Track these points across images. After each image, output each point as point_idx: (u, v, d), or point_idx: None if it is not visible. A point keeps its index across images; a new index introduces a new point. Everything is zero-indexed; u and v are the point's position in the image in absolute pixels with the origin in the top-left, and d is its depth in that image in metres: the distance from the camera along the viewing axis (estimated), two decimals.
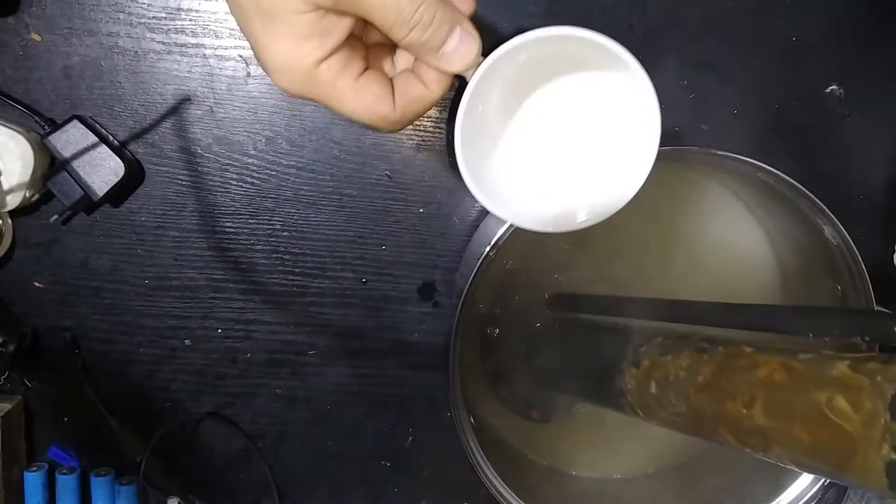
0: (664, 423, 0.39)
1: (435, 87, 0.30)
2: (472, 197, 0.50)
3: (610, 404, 0.44)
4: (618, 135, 0.33)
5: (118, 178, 0.45)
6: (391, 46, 0.32)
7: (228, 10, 0.46)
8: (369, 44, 0.32)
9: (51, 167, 0.46)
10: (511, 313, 0.54)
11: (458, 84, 0.31)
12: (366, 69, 0.30)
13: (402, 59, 0.32)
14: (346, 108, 0.30)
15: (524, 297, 0.53)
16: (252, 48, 0.29)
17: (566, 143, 0.34)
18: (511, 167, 0.34)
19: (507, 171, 0.34)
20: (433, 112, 0.49)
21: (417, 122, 0.49)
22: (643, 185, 0.32)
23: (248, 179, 0.49)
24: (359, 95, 0.29)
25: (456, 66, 0.29)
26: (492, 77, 0.30)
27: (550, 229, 0.33)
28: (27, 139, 0.44)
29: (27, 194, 0.45)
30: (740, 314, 0.35)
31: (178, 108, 0.47)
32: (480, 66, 0.30)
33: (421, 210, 0.50)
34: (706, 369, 0.36)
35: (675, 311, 0.39)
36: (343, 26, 0.28)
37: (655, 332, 0.42)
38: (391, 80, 0.31)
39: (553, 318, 0.53)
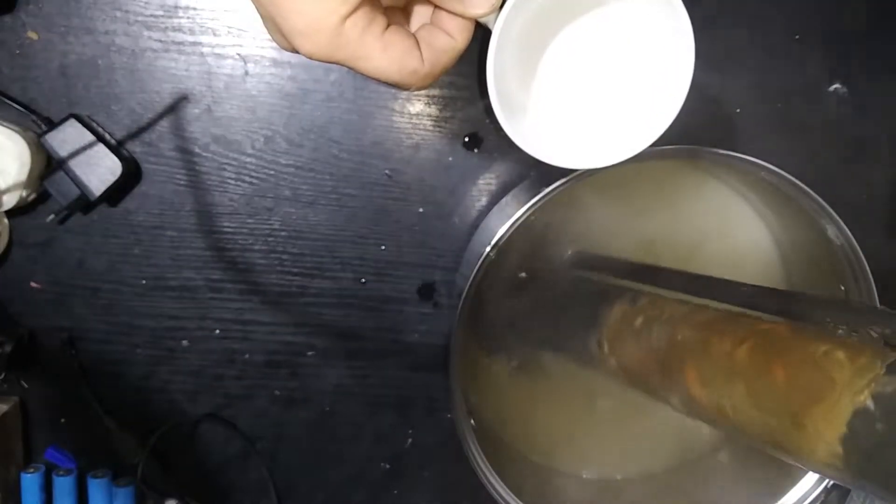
0: (624, 359, 0.39)
1: (459, 35, 0.29)
2: (472, 197, 0.50)
3: (577, 340, 0.44)
4: (650, 66, 0.34)
5: (115, 178, 0.45)
6: (403, 9, 0.31)
7: (227, 7, 0.46)
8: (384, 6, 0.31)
9: (48, 166, 0.46)
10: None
11: (482, 36, 0.31)
12: (388, 25, 0.29)
13: (417, 20, 0.31)
14: (374, 65, 0.28)
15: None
16: (268, 17, 0.28)
17: (595, 81, 0.34)
18: (542, 109, 0.34)
19: (538, 113, 0.34)
20: (433, 111, 0.49)
21: (417, 121, 0.49)
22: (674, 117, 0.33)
23: (247, 179, 0.48)
24: (387, 51, 0.28)
25: (480, 9, 0.29)
26: (514, 21, 0.30)
27: (586, 166, 0.34)
28: (24, 138, 0.44)
29: (24, 194, 0.45)
30: (767, 297, 0.34)
31: (176, 106, 0.47)
32: (503, 9, 0.29)
33: (421, 210, 0.50)
34: (707, 316, 0.35)
35: (696, 286, 0.39)
36: None
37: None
38: (414, 36, 0.30)
39: (566, 276, 0.52)
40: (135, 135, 0.47)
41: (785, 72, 0.52)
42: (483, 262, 0.42)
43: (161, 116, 0.47)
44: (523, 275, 0.52)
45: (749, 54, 0.51)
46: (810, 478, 0.47)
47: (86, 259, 0.48)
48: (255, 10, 0.29)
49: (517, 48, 0.32)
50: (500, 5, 0.29)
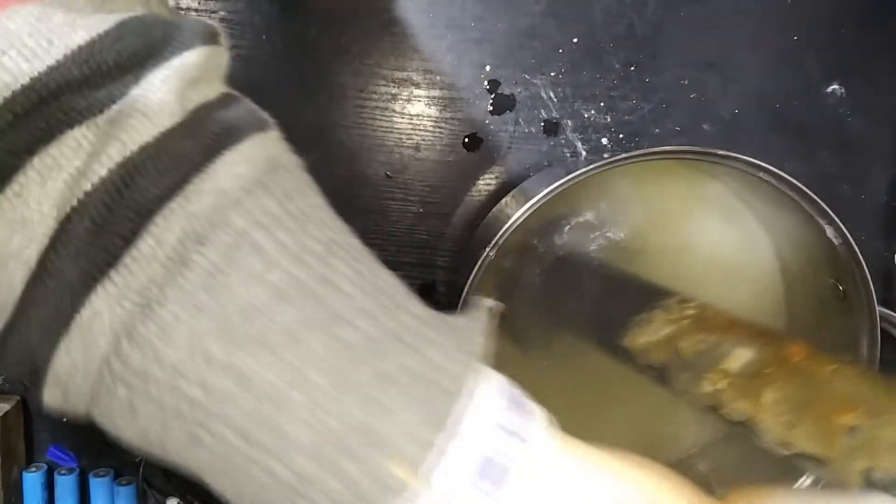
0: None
1: None
2: (472, 197, 0.50)
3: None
4: None
5: None
6: None
7: (231, 9, 0.46)
8: None
9: None
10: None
11: None
12: None
13: None
14: None
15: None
16: None
17: None
18: None
19: None
20: (433, 112, 0.49)
21: (417, 122, 0.49)
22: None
23: None
24: None
25: None
26: None
27: None
28: None
29: None
30: None
31: None
32: None
33: (421, 210, 0.50)
34: None
35: None
36: None
37: None
38: None
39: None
40: None
41: (783, 72, 0.52)
42: (483, 262, 0.42)
43: None
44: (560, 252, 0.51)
45: (747, 55, 0.51)
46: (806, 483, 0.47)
47: None
48: None
49: None
50: None
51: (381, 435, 0.18)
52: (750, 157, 0.44)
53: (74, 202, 0.17)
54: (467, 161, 0.50)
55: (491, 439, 0.19)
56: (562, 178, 0.41)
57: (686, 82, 0.51)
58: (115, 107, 0.18)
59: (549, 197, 0.42)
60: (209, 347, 0.18)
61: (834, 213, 0.45)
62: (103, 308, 0.17)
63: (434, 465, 0.18)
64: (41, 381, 0.19)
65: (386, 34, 0.49)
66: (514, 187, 0.50)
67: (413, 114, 0.49)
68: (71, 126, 0.17)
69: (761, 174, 0.45)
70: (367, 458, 0.18)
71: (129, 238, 0.17)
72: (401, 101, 0.49)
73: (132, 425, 0.19)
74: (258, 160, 0.20)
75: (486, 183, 0.51)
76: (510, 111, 0.50)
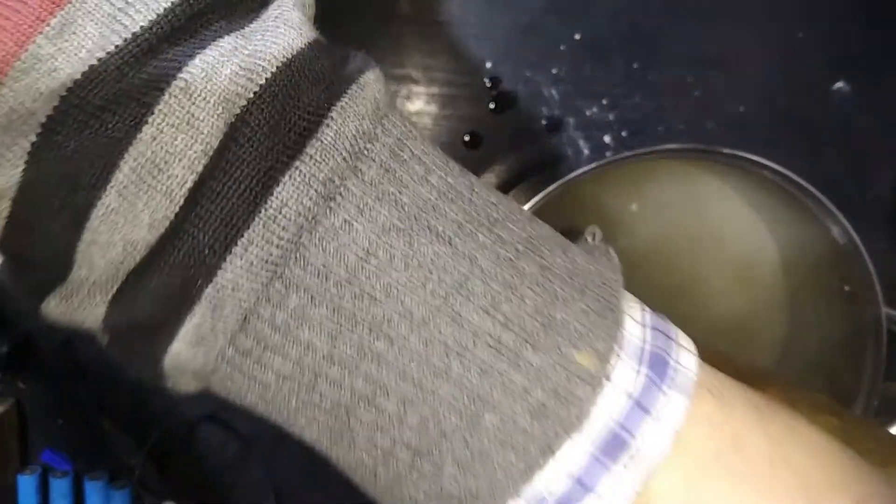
0: None
1: None
2: None
3: None
4: None
5: None
6: None
7: None
8: None
9: None
10: None
11: None
12: None
13: None
14: None
15: None
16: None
17: None
18: None
19: None
20: (433, 109, 0.49)
21: (417, 119, 0.49)
22: None
23: None
24: None
25: None
26: None
27: None
28: None
29: None
30: None
31: None
32: None
33: None
34: None
35: None
36: None
37: None
38: None
39: None
40: None
41: (789, 70, 0.51)
42: None
43: None
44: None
45: (752, 52, 0.51)
46: None
47: None
48: None
49: None
50: None
51: (559, 321, 0.18)
52: (754, 155, 0.44)
53: (251, 95, 0.17)
54: (468, 159, 0.50)
55: (651, 339, 0.19)
56: (564, 176, 0.41)
57: (690, 80, 0.50)
58: (251, 25, 0.18)
59: (550, 196, 0.41)
60: (392, 240, 0.17)
61: (839, 212, 0.44)
62: (289, 198, 0.17)
63: (613, 357, 0.18)
64: (193, 303, 0.17)
65: (384, 29, 0.48)
66: (514, 186, 0.49)
67: (412, 111, 0.48)
68: (221, 35, 0.17)
69: (766, 172, 0.44)
70: (551, 346, 0.17)
71: (308, 131, 0.17)
72: (400, 99, 0.48)
73: (286, 354, 0.18)
74: (386, 86, 0.20)
75: (487, 182, 0.50)
76: (512, 109, 0.49)
